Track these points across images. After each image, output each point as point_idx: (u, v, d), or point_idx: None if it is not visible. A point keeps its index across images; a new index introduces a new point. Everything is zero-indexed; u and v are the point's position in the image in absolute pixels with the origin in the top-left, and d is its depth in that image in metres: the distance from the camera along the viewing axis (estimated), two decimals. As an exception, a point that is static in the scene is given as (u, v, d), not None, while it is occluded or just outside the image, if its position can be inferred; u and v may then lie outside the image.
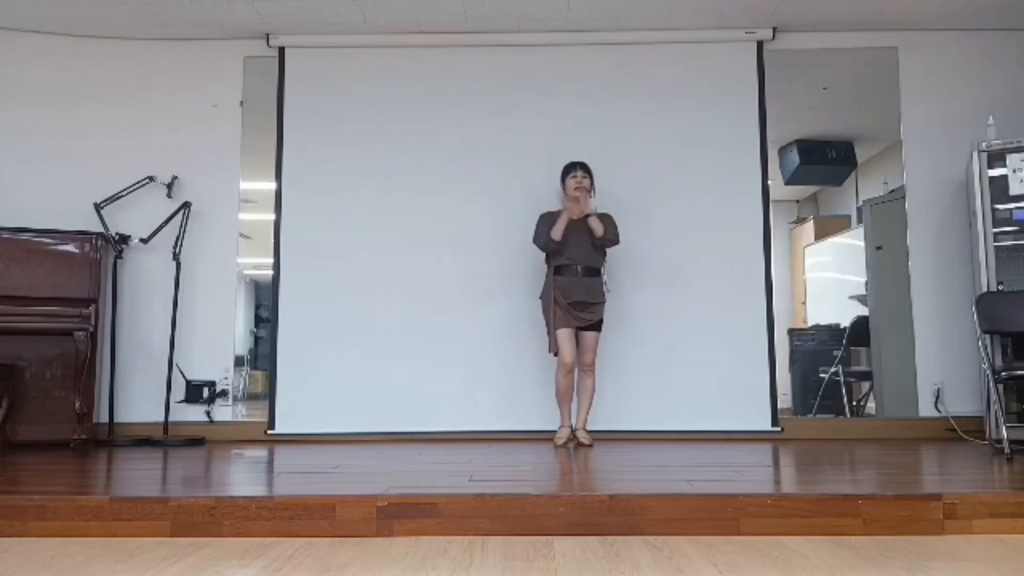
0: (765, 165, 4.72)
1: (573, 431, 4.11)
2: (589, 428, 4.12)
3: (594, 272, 4.10)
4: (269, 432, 4.57)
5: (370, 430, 4.54)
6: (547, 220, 4.13)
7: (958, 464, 3.22)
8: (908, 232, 4.70)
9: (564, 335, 4.00)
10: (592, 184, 4.16)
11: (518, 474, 2.95)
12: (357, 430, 4.54)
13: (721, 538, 2.29)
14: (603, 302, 4.11)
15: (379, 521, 2.35)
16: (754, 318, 4.59)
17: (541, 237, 4.11)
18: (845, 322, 4.75)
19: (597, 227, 4.04)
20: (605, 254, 4.18)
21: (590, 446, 4.00)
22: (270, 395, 4.61)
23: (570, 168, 4.17)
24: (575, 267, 4.06)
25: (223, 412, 4.64)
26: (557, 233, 4.01)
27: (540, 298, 4.20)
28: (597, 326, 4.09)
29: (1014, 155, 4.12)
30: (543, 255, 4.20)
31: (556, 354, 4.03)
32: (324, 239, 4.71)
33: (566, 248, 4.07)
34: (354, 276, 4.68)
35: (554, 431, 4.16)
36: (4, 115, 4.77)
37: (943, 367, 4.59)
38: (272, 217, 4.74)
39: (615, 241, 4.15)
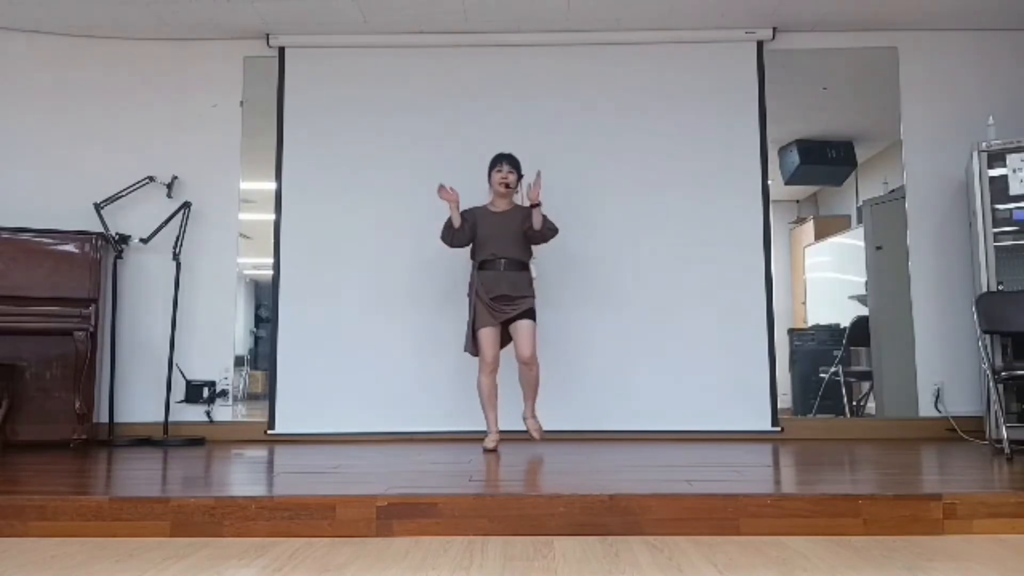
0: (765, 165, 4.72)
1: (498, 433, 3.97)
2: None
3: (520, 266, 3.95)
4: (269, 432, 4.57)
5: (370, 430, 4.54)
6: (464, 216, 3.97)
7: (958, 464, 3.22)
8: (908, 232, 4.70)
9: (486, 334, 3.86)
10: (519, 179, 4.00)
11: (518, 474, 2.95)
12: (357, 430, 4.54)
13: (721, 538, 2.29)
14: (531, 296, 3.94)
15: (379, 521, 2.35)
16: (754, 318, 4.59)
17: (444, 234, 3.97)
18: (845, 322, 4.75)
19: (537, 219, 3.83)
20: (531, 248, 4.03)
21: (539, 440, 3.88)
22: (270, 395, 4.61)
23: (496, 161, 4.02)
24: (498, 261, 3.91)
25: (223, 412, 4.64)
26: (455, 220, 3.86)
27: (468, 295, 4.02)
28: (528, 315, 3.90)
29: (1014, 155, 4.12)
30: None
31: (474, 355, 3.90)
32: (324, 239, 4.71)
33: (489, 242, 3.93)
34: (354, 276, 4.68)
35: (556, 431, 4.10)
36: (4, 115, 4.77)
37: (943, 367, 4.59)
38: (272, 217, 4.74)
39: (553, 230, 3.95)
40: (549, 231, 3.95)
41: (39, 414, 4.32)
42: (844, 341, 4.72)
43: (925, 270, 4.66)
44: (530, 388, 3.95)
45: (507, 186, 3.96)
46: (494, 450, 3.86)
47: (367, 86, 4.82)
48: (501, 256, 3.92)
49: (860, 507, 2.34)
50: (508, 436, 4.41)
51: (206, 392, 4.62)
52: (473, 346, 3.91)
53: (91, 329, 4.22)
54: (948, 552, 2.11)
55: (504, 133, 4.74)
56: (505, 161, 3.99)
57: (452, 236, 3.95)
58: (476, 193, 4.69)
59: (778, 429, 4.51)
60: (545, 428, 4.34)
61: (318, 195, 4.74)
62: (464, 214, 4.00)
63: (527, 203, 3.91)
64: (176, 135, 4.82)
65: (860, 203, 4.84)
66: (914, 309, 4.64)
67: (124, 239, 4.61)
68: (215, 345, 4.68)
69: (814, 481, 2.72)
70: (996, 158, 4.15)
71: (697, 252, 4.65)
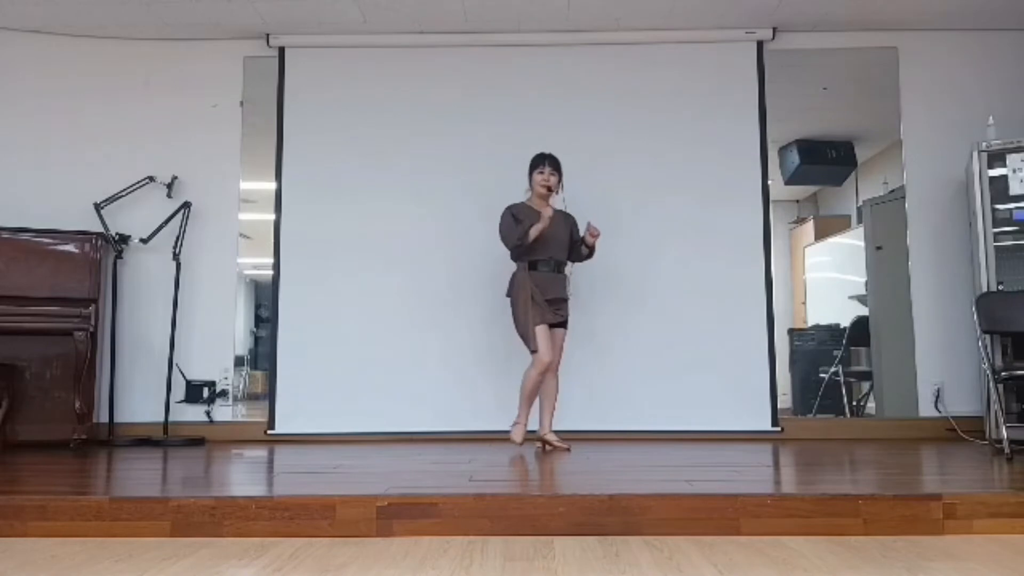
0: (765, 165, 4.72)
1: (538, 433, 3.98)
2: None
3: (563, 268, 4.01)
4: (269, 432, 4.57)
5: (370, 430, 4.54)
6: (515, 216, 3.91)
7: (958, 464, 3.22)
8: (908, 232, 4.70)
9: (544, 332, 3.84)
10: (560, 180, 3.98)
11: (518, 474, 2.95)
12: (357, 430, 4.54)
13: (721, 538, 2.29)
14: (568, 300, 4.02)
15: (379, 521, 2.35)
16: (754, 318, 4.59)
17: (512, 237, 3.88)
18: (845, 322, 4.75)
19: (592, 238, 3.99)
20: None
21: (568, 449, 3.87)
22: (270, 395, 4.61)
23: (538, 162, 3.98)
24: (552, 263, 3.93)
25: (223, 412, 4.64)
26: (533, 235, 3.83)
27: (508, 296, 3.98)
28: (566, 323, 3.99)
29: (1014, 155, 4.12)
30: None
31: (536, 351, 3.82)
32: (324, 239, 4.71)
33: (545, 244, 3.91)
34: (354, 276, 4.68)
35: (557, 431, 4.06)
36: (4, 115, 4.78)
37: (943, 367, 4.59)
38: (272, 217, 4.74)
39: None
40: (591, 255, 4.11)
41: (39, 414, 4.32)
42: (844, 341, 4.72)
43: (925, 270, 4.66)
44: (553, 399, 3.95)
45: (548, 189, 3.94)
46: (522, 444, 3.90)
47: (367, 86, 4.82)
48: (556, 259, 3.95)
49: (860, 507, 2.34)
50: (508, 437, 4.41)
51: (206, 392, 4.62)
52: (535, 343, 3.82)
53: (91, 329, 4.22)
54: (948, 552, 2.11)
55: (504, 133, 4.74)
56: (547, 163, 3.95)
57: (520, 247, 3.90)
58: (476, 193, 4.70)
59: (778, 429, 4.51)
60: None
61: (318, 195, 4.74)
62: (515, 213, 3.95)
63: (563, 202, 4.00)
64: (176, 135, 4.82)
65: (860, 203, 4.84)
66: (914, 309, 4.64)
67: (124, 239, 4.61)
68: (215, 345, 4.68)
69: (814, 481, 2.72)
70: (996, 158, 4.15)
71: (697, 252, 4.65)
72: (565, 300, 3.98)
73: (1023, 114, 4.70)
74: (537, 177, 3.95)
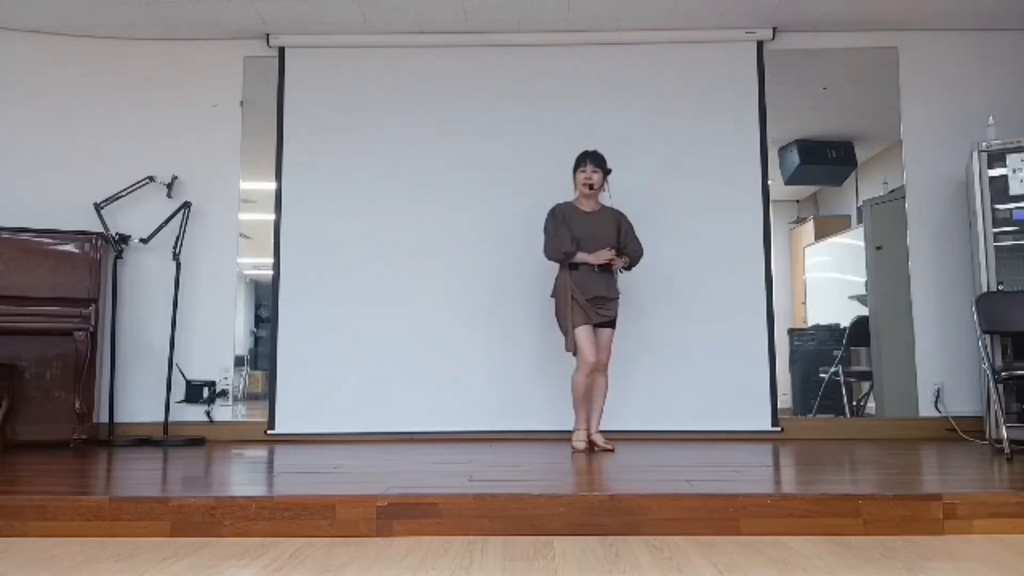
0: (765, 165, 4.72)
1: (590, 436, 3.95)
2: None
3: (609, 267, 3.95)
4: (269, 432, 4.57)
5: (370, 430, 4.54)
6: (556, 222, 3.91)
7: (958, 464, 3.22)
8: (908, 232, 4.70)
9: (585, 333, 3.80)
10: (605, 178, 3.96)
11: (518, 474, 2.95)
12: (357, 430, 4.54)
13: (721, 538, 2.29)
14: (618, 298, 3.96)
15: (379, 521, 2.35)
16: (754, 318, 4.59)
17: (555, 250, 3.89)
18: (845, 322, 4.75)
19: (618, 265, 3.95)
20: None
21: (613, 450, 3.83)
22: (270, 395, 4.61)
23: (579, 161, 3.96)
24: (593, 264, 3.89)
25: (223, 412, 4.64)
26: (579, 259, 3.86)
27: (552, 296, 3.97)
28: (614, 323, 3.94)
29: (1014, 155, 4.12)
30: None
31: (574, 353, 3.83)
32: (324, 239, 4.71)
33: (583, 244, 3.89)
34: (354, 276, 4.68)
35: (556, 431, 4.04)
36: (4, 115, 4.77)
37: (943, 367, 4.59)
38: (272, 217, 4.74)
39: (640, 253, 4.06)
40: (639, 257, 4.06)
41: (39, 414, 4.32)
42: (844, 341, 4.72)
43: (925, 270, 4.66)
44: (600, 400, 3.92)
45: (591, 187, 3.92)
46: (584, 451, 3.80)
47: (367, 86, 4.81)
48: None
49: (860, 507, 2.34)
50: (508, 437, 4.42)
51: (206, 392, 4.62)
52: (573, 345, 3.83)
53: (91, 329, 4.22)
54: (948, 552, 2.11)
55: (504, 133, 4.74)
56: (589, 160, 3.93)
57: (562, 260, 3.91)
58: (476, 192, 4.70)
59: (778, 429, 4.51)
60: (544, 429, 4.35)
61: (318, 195, 4.74)
62: (555, 214, 3.95)
63: (610, 199, 3.99)
64: (176, 135, 4.81)
65: (860, 203, 4.84)
66: (914, 309, 4.64)
67: (124, 239, 4.61)
68: (215, 345, 4.67)
69: (814, 481, 2.72)
70: (996, 158, 4.15)
71: (697, 252, 4.65)
72: (612, 299, 3.92)
73: (1023, 114, 4.70)
74: (579, 176, 3.93)
